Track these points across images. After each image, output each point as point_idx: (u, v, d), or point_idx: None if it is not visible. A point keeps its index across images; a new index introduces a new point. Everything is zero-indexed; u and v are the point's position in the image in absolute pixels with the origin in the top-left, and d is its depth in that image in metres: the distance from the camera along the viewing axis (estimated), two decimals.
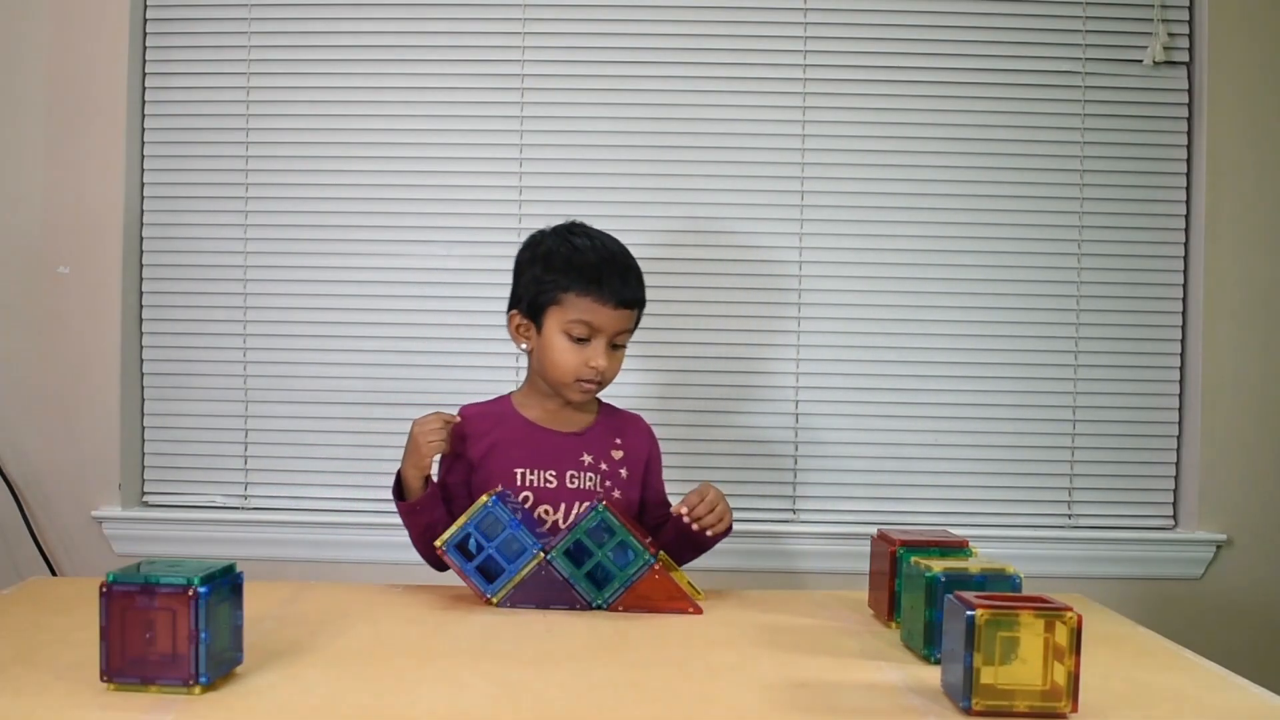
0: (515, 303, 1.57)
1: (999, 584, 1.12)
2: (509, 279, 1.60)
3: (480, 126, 2.07)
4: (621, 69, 2.06)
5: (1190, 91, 2.06)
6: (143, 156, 2.07)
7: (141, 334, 2.09)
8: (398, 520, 1.50)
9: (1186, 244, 2.08)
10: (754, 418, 2.08)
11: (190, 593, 0.96)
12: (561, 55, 2.06)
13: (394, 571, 1.71)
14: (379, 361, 2.07)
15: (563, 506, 1.52)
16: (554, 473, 1.54)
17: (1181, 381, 2.08)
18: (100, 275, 2.03)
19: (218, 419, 2.09)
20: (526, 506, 1.50)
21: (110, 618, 0.98)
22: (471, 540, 1.34)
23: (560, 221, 1.59)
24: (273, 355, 2.08)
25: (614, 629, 1.25)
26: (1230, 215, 2.04)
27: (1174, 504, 2.09)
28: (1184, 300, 2.08)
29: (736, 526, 1.51)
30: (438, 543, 1.34)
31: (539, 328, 1.53)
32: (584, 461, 1.56)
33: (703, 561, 1.53)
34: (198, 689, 0.97)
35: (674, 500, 1.54)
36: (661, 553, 1.35)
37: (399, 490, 1.49)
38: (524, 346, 1.57)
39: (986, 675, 0.96)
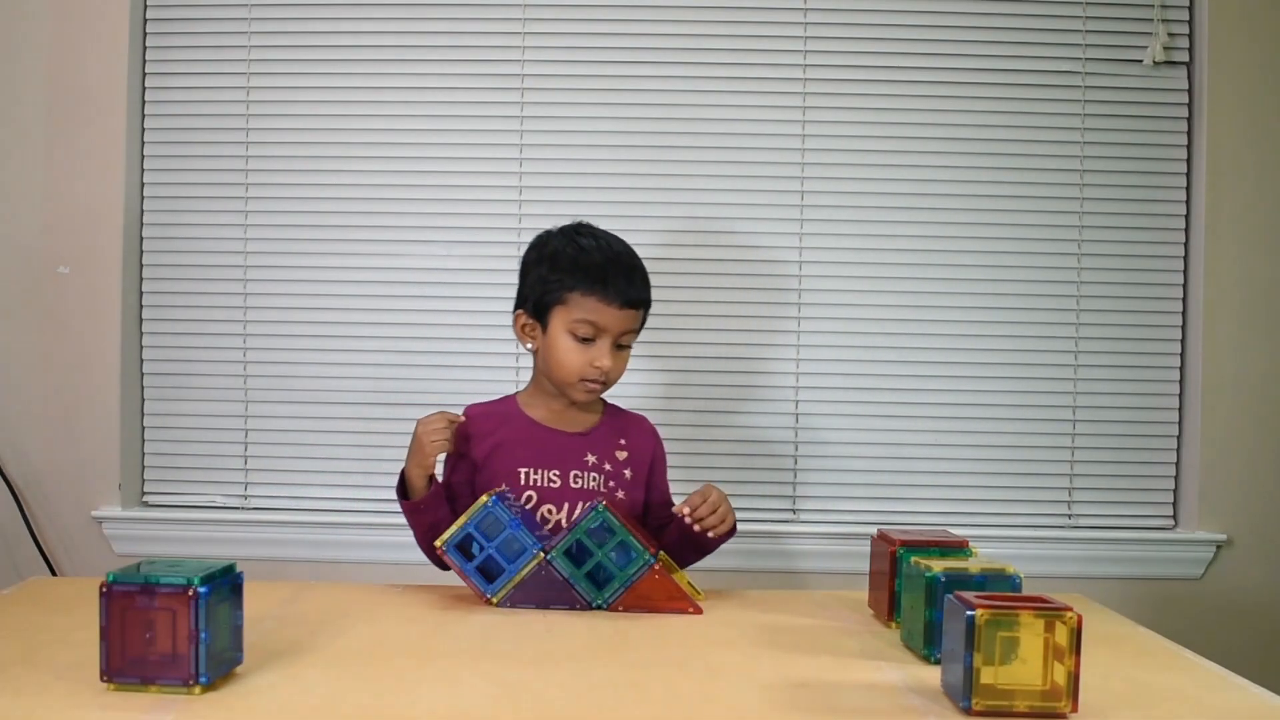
0: (521, 302, 1.57)
1: (999, 584, 1.12)
2: (509, 279, 1.61)
3: (480, 127, 2.07)
4: (621, 69, 2.06)
5: (1190, 91, 2.06)
6: (143, 156, 2.07)
7: (141, 334, 2.09)
8: (398, 520, 1.51)
9: (1186, 244, 2.08)
10: (754, 418, 2.08)
11: (190, 593, 0.96)
12: (561, 55, 2.06)
13: (394, 571, 1.71)
14: (379, 361, 2.07)
15: (566, 506, 1.52)
16: (558, 473, 1.53)
17: (1181, 381, 2.08)
18: (100, 275, 2.03)
19: (217, 419, 2.09)
20: (530, 507, 1.50)
21: (110, 618, 0.98)
22: (472, 540, 1.34)
23: (562, 221, 1.59)
24: (273, 355, 2.08)
25: (614, 629, 1.25)
26: (1230, 215, 2.04)
27: (1174, 504, 2.09)
28: (1184, 300, 2.08)
29: (737, 526, 1.51)
30: (438, 543, 1.34)
31: (544, 327, 1.53)
32: (588, 462, 1.56)
33: (702, 562, 1.53)
34: (198, 689, 0.97)
35: (678, 501, 1.54)
36: (662, 553, 1.35)
37: (403, 489, 1.49)
38: (529, 346, 1.57)
39: (986, 675, 0.96)
